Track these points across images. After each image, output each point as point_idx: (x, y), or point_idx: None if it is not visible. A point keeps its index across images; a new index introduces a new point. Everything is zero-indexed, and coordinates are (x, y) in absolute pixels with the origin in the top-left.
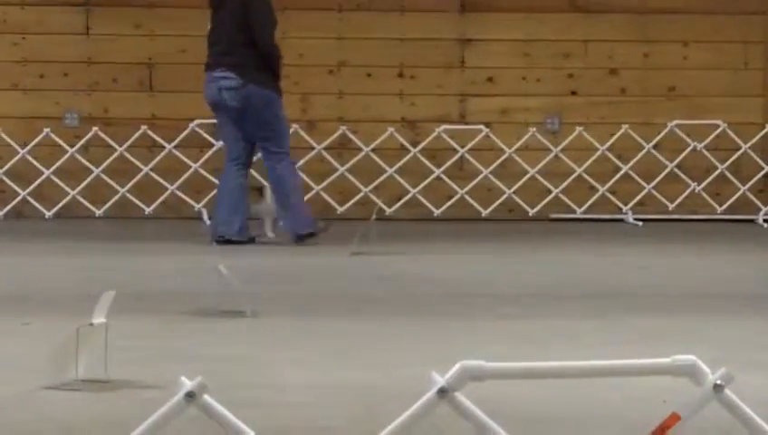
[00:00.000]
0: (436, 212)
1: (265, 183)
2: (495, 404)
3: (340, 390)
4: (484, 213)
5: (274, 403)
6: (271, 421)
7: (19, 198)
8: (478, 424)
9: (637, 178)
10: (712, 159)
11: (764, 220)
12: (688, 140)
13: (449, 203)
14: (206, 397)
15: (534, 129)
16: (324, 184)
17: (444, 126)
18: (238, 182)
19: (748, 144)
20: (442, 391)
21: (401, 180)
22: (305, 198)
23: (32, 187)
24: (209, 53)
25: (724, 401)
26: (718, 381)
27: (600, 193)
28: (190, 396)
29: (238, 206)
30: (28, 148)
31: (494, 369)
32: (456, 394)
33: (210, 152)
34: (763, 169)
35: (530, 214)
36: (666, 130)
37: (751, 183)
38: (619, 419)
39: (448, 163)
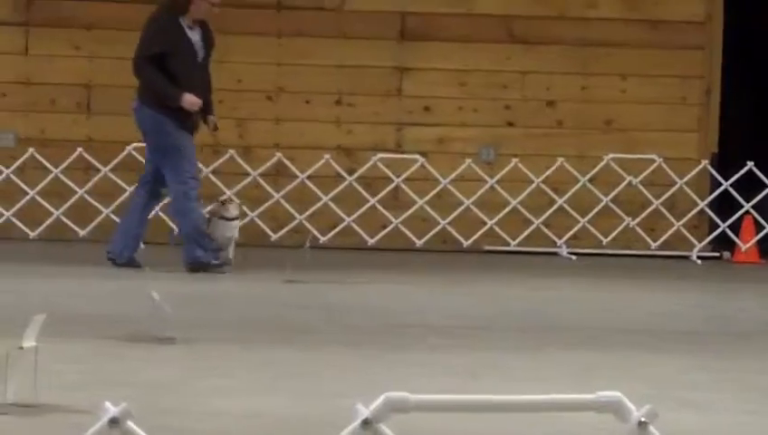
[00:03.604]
0: (370, 241)
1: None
2: None
3: (268, 419)
4: (419, 243)
5: (200, 431)
6: None
7: None
8: None
9: (571, 211)
10: (647, 193)
11: (698, 257)
12: (624, 175)
13: (383, 232)
14: (130, 423)
15: (470, 159)
16: (259, 210)
17: (380, 154)
18: (141, 201)
19: (683, 180)
20: (366, 423)
21: (336, 208)
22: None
23: None
24: None
25: None
26: (642, 419)
27: (534, 226)
28: (114, 422)
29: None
30: None
31: (417, 401)
32: (379, 425)
33: None
34: (697, 205)
35: (464, 245)
36: (602, 164)
37: (685, 219)
38: None
39: (383, 192)
